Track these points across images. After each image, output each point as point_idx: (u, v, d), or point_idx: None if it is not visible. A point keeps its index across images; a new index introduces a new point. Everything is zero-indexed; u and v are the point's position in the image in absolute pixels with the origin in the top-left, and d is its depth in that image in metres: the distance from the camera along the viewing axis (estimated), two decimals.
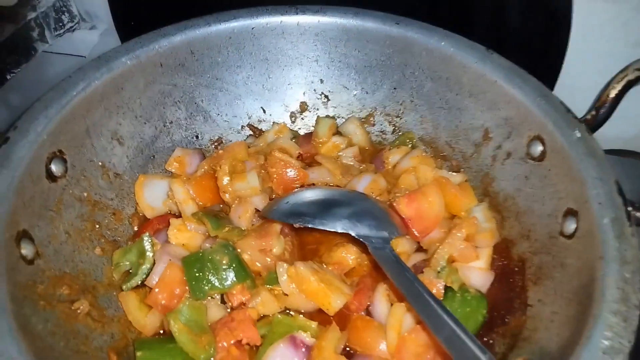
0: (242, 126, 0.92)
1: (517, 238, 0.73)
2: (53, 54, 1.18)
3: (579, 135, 0.66)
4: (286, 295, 0.68)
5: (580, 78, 0.94)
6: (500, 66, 0.77)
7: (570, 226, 0.63)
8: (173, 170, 0.82)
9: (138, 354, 0.59)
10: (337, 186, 0.82)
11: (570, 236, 0.63)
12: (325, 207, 0.70)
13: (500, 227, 0.76)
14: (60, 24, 1.16)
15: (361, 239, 0.68)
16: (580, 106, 0.73)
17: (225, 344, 0.63)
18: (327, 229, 0.68)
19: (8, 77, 1.05)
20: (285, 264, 0.68)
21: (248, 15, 0.85)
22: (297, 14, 0.86)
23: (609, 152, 1.01)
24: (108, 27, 1.17)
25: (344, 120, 0.93)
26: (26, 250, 0.58)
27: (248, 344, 0.64)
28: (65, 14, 1.17)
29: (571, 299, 0.58)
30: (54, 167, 0.66)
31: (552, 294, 0.62)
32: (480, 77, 0.78)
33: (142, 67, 0.79)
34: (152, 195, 0.78)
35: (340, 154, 0.87)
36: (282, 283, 0.68)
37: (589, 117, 0.71)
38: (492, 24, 0.99)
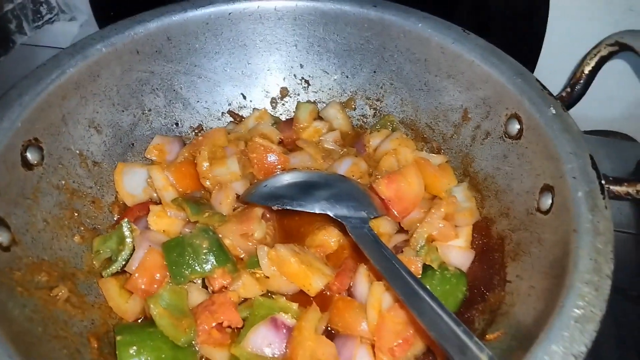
0: (223, 113, 0.92)
1: (496, 216, 0.74)
2: (32, 46, 1.17)
3: (554, 112, 0.67)
4: (267, 278, 0.69)
5: (560, 59, 0.94)
6: (477, 46, 0.77)
7: (547, 202, 0.64)
8: (152, 157, 0.82)
9: (118, 338, 0.59)
10: (318, 170, 0.82)
11: (546, 212, 0.64)
12: (303, 190, 0.70)
13: (481, 206, 0.77)
14: (39, 15, 1.15)
15: (339, 219, 0.68)
16: (560, 87, 0.74)
17: (206, 326, 0.63)
18: (306, 210, 0.68)
19: None
20: (265, 247, 0.69)
21: (224, 1, 0.85)
22: None
23: (593, 132, 1.02)
24: (88, 18, 1.16)
25: (324, 105, 0.92)
26: (2, 237, 0.58)
27: (229, 326, 0.64)
28: (44, 5, 1.16)
29: (547, 272, 0.58)
30: (29, 155, 0.66)
31: (530, 269, 0.63)
32: (458, 58, 0.78)
33: (118, 54, 0.78)
34: (132, 183, 0.78)
35: (321, 138, 0.87)
36: (263, 265, 0.68)
37: (564, 94, 0.71)
38: (474, 7, 0.99)
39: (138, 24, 0.80)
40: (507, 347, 0.55)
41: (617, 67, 0.90)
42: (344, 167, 0.81)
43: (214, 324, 0.64)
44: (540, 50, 0.98)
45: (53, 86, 0.70)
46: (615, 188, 0.60)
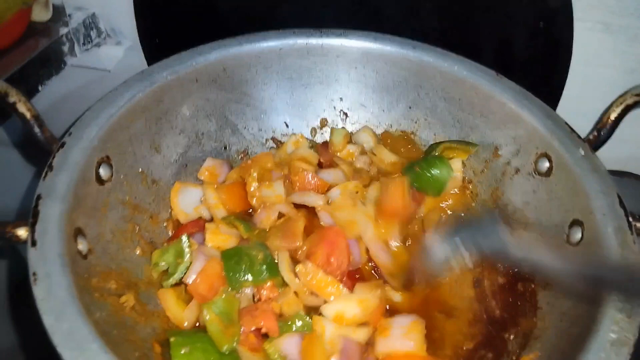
0: (267, 139, 0.98)
1: None
2: (80, 67, 1.23)
3: (582, 153, 0.73)
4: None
5: (580, 103, 1.01)
6: (509, 88, 0.84)
7: (576, 235, 0.70)
8: (203, 178, 0.88)
9: (171, 339, 0.64)
10: None
11: (576, 244, 0.69)
12: None
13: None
14: (89, 39, 1.22)
15: None
16: (580, 128, 0.80)
17: (246, 329, 0.68)
18: None
19: (40, 88, 1.11)
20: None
21: (276, 37, 0.92)
22: (321, 37, 0.93)
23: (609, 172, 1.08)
24: (132, 43, 1.23)
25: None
26: (82, 245, 0.63)
27: (266, 334, 0.69)
28: (94, 29, 1.23)
29: (579, 300, 0.64)
30: (102, 172, 0.72)
31: (561, 296, 0.68)
32: (491, 99, 0.85)
33: (180, 82, 0.85)
34: (186, 201, 0.83)
35: (353, 160, 0.93)
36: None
37: (591, 137, 0.78)
38: (499, 50, 1.06)
39: (199, 55, 0.87)
40: None
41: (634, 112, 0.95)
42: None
43: (253, 328, 0.69)
44: (562, 94, 1.05)
45: (124, 109, 0.76)
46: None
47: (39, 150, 0.69)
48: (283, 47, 0.92)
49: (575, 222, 0.70)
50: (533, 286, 0.75)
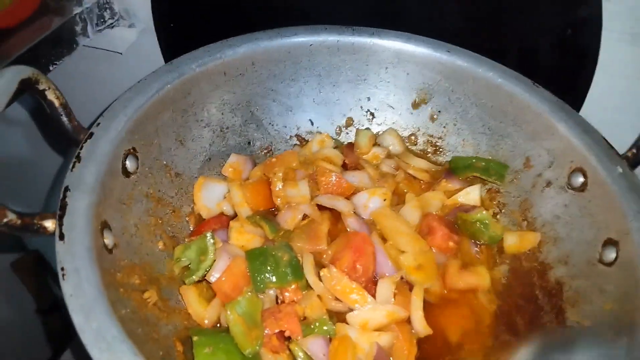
0: (291, 136, 0.97)
1: (554, 262, 0.77)
2: (92, 48, 1.21)
3: (620, 170, 0.71)
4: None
5: (602, 113, 0.98)
6: (546, 99, 0.82)
7: (610, 255, 0.68)
8: (228, 174, 0.86)
9: (194, 338, 0.63)
10: None
11: (609, 264, 0.68)
12: None
13: (538, 251, 0.80)
14: (102, 20, 1.19)
15: None
16: None
17: (269, 331, 0.67)
18: None
19: (51, 68, 1.09)
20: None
21: (307, 33, 0.90)
22: (353, 35, 0.91)
23: None
24: (146, 26, 1.20)
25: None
26: (108, 239, 0.62)
27: (289, 337, 0.68)
28: (107, 10, 1.20)
29: (611, 324, 0.62)
30: (128, 164, 0.70)
31: (591, 316, 0.66)
32: (526, 108, 0.83)
33: (208, 74, 0.83)
34: (209, 196, 0.82)
35: (379, 162, 0.91)
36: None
37: (629, 154, 0.75)
38: (524, 55, 1.03)
39: (228, 48, 0.85)
40: None
41: None
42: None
43: (276, 331, 0.68)
44: (583, 103, 1.02)
45: (152, 100, 0.75)
46: None
47: (65, 140, 0.68)
48: (314, 43, 0.90)
49: (610, 242, 0.69)
50: (561, 303, 0.73)
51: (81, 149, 0.65)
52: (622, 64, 0.95)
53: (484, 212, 0.81)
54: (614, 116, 0.97)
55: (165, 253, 0.74)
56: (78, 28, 1.14)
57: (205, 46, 0.84)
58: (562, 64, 1.02)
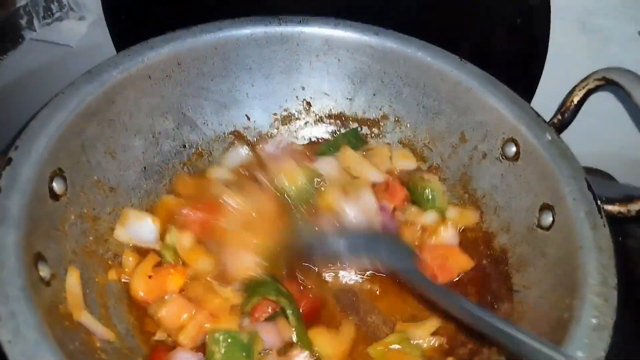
0: (228, 134, 0.94)
1: (497, 231, 0.81)
2: (40, 41, 1.12)
3: (549, 137, 0.75)
4: None
5: (554, 99, 1.01)
6: (475, 74, 0.84)
7: (547, 219, 0.72)
8: None
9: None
10: None
11: (547, 228, 0.71)
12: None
13: (481, 221, 0.83)
14: (49, 13, 1.12)
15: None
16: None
17: None
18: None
19: None
20: None
21: (232, 26, 0.87)
22: (280, 25, 0.89)
23: None
24: (97, 18, 1.13)
25: (327, 124, 0.96)
26: (44, 272, 0.58)
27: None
28: (55, 2, 1.13)
29: (555, 284, 0.66)
30: (55, 186, 0.66)
31: (536, 280, 0.70)
32: (456, 84, 0.85)
33: (132, 80, 0.78)
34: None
35: None
36: None
37: (555, 120, 0.79)
38: (478, 44, 1.04)
39: (150, 49, 0.80)
40: None
41: (601, 108, 0.96)
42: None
43: None
44: (536, 89, 1.05)
45: (74, 114, 0.70)
46: (608, 207, 0.68)
47: None
48: (240, 36, 0.88)
49: (546, 207, 0.72)
50: (507, 268, 0.76)
51: (0, 177, 0.59)
52: (572, 50, 0.98)
53: (438, 182, 0.84)
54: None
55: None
56: (23, 21, 1.07)
57: (125, 50, 0.80)
58: (515, 52, 1.04)
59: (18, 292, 0.51)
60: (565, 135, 0.78)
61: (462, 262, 0.79)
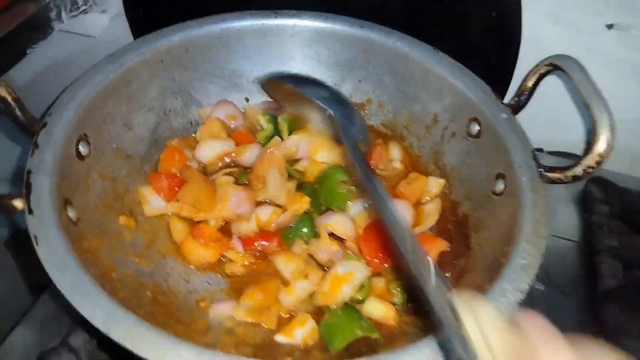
0: None
1: (461, 199, 0.92)
2: (67, 32, 1.25)
3: (505, 116, 0.86)
4: None
5: None
6: (445, 63, 0.95)
7: (500, 186, 0.82)
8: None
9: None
10: None
11: (500, 194, 0.82)
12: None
13: (449, 192, 0.95)
14: (76, 6, 1.23)
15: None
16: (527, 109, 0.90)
17: None
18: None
19: (28, 52, 1.14)
20: None
21: (234, 19, 1.00)
22: (275, 17, 1.01)
23: None
24: (118, 12, 1.26)
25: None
26: (71, 213, 0.70)
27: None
28: None
29: (500, 239, 0.77)
30: (81, 148, 0.78)
31: (488, 238, 0.81)
32: (430, 72, 0.96)
33: (147, 63, 0.91)
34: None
35: None
36: None
37: (512, 102, 0.90)
38: (457, 38, 1.14)
39: (163, 38, 0.93)
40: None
41: (552, 93, 1.05)
42: None
43: None
44: (511, 80, 1.15)
45: (97, 90, 0.83)
46: (550, 174, 0.79)
47: (22, 131, 0.75)
48: (241, 28, 1.00)
49: (500, 175, 0.83)
50: (467, 231, 0.87)
51: (37, 137, 0.73)
52: (545, 42, 1.06)
53: None
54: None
55: (127, 228, 0.83)
56: (52, 14, 1.18)
57: (142, 37, 0.93)
58: (490, 44, 1.13)
59: (51, 223, 0.64)
60: (521, 115, 0.89)
61: (439, 246, 0.88)
